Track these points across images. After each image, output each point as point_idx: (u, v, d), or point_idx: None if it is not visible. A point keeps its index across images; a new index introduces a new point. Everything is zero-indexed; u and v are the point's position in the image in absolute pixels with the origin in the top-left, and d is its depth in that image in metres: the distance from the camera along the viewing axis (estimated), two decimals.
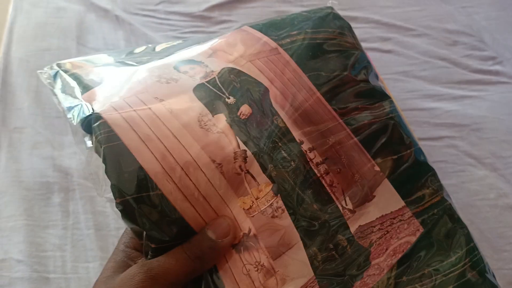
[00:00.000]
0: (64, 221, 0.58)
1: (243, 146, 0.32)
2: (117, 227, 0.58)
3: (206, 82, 0.34)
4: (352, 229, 0.32)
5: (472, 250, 0.35)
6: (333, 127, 0.36)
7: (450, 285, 0.33)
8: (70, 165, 0.63)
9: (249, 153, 0.31)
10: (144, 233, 0.30)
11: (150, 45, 0.42)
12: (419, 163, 0.38)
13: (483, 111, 0.74)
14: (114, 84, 0.34)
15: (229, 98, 0.34)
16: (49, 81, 0.38)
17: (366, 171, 0.35)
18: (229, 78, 0.35)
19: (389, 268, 0.32)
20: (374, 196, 0.34)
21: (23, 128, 0.67)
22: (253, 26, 0.41)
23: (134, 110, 0.31)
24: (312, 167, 0.33)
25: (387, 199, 0.35)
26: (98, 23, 0.84)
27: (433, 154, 0.67)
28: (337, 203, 0.33)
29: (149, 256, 0.31)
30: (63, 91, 0.35)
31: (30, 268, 0.54)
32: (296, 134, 0.34)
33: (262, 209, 0.31)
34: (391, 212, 0.34)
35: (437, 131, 0.71)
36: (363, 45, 0.83)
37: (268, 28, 0.40)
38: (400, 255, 0.33)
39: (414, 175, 0.37)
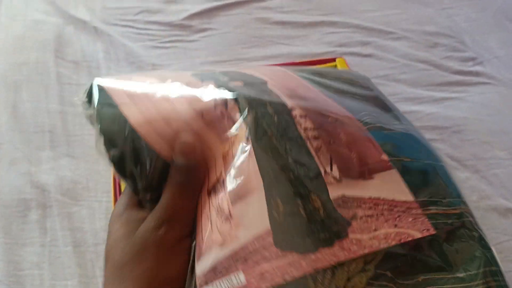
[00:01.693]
0: (41, 238, 0.58)
1: (227, 96, 0.32)
2: (95, 243, 0.57)
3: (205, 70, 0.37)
4: (333, 195, 0.28)
5: (493, 274, 0.29)
6: (335, 110, 0.34)
7: None
8: (48, 181, 0.62)
9: (231, 101, 0.32)
10: (140, 186, 0.32)
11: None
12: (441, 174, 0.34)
13: (464, 112, 0.74)
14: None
15: (224, 77, 0.35)
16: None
17: (370, 155, 0.31)
18: (227, 72, 0.37)
19: (373, 250, 0.26)
20: (373, 178, 0.30)
21: (1, 144, 0.66)
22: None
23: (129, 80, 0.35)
24: (299, 128, 0.31)
25: (391, 187, 0.30)
26: (77, 35, 0.83)
27: None
28: (319, 164, 0.29)
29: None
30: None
31: None
32: (289, 103, 0.33)
33: (233, 153, 0.30)
34: (393, 199, 0.30)
35: None
36: (343, 50, 0.84)
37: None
38: (393, 243, 0.27)
39: (429, 181, 0.32)
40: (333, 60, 0.65)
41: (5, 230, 0.58)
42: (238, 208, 0.28)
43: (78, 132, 0.68)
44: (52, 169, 0.64)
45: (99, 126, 0.32)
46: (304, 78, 0.38)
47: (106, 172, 0.64)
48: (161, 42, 0.83)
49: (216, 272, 0.27)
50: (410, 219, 0.29)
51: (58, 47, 0.80)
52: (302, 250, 0.26)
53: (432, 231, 0.29)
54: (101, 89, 0.34)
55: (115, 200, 0.52)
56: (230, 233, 0.28)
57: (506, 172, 0.66)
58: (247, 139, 0.30)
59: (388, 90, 0.77)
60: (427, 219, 0.29)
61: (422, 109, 0.74)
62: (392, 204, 0.29)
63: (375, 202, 0.29)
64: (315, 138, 0.31)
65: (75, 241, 0.57)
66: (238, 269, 0.26)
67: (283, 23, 0.89)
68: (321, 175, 0.29)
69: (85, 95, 0.36)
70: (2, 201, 0.60)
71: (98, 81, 0.35)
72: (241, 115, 0.31)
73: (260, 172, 0.29)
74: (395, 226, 0.28)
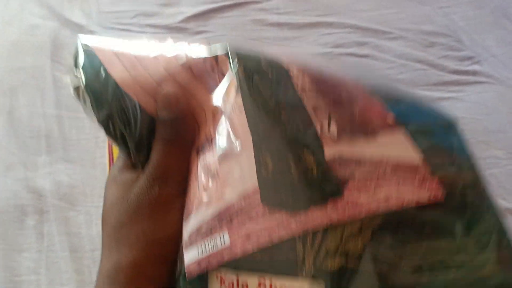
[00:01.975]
0: (38, 243, 0.58)
1: (218, 50, 0.29)
2: (92, 248, 0.57)
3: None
4: (329, 153, 0.26)
5: (506, 245, 0.26)
6: (340, 78, 0.31)
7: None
8: (44, 186, 0.62)
9: (222, 55, 0.29)
10: (131, 147, 0.30)
11: None
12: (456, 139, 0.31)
13: (460, 112, 0.74)
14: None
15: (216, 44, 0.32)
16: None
17: (375, 114, 0.28)
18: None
19: (372, 213, 0.24)
20: (377, 136, 0.27)
21: None
22: None
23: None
24: (295, 85, 0.28)
25: (396, 146, 0.27)
26: (73, 39, 0.82)
27: None
28: (315, 122, 0.27)
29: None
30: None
31: None
32: (287, 64, 0.29)
33: (223, 110, 0.28)
34: (398, 159, 0.26)
35: None
36: (339, 50, 0.83)
37: None
38: (395, 206, 0.24)
39: (440, 144, 0.29)
40: None
41: (1, 236, 0.58)
42: (225, 166, 0.26)
43: (75, 137, 0.68)
44: (48, 174, 0.64)
45: (84, 86, 0.31)
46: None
47: (103, 176, 0.64)
48: None
49: (200, 232, 0.26)
50: (417, 182, 0.26)
51: (54, 51, 0.80)
52: (291, 209, 0.24)
53: (441, 196, 0.25)
54: (86, 49, 0.32)
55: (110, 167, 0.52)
56: (216, 192, 0.26)
57: (504, 171, 0.66)
58: (237, 93, 0.27)
59: None
60: (435, 183, 0.26)
61: None
62: (397, 165, 0.26)
63: (377, 161, 0.26)
64: (312, 96, 0.28)
65: (72, 246, 0.57)
66: (223, 229, 0.25)
67: (279, 25, 0.88)
68: (316, 132, 0.26)
69: (73, 59, 0.33)
70: None
71: (83, 41, 0.33)
72: (231, 68, 0.28)
73: (249, 127, 0.26)
74: (398, 188, 0.25)
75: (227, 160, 0.27)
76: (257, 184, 0.25)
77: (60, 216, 0.60)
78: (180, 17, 0.87)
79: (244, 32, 0.86)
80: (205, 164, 0.27)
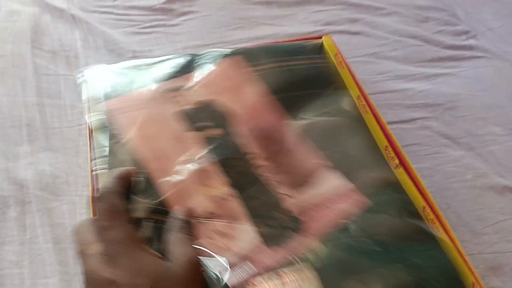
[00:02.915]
0: (20, 236, 0.55)
1: (205, 154, 0.45)
2: None
3: (184, 109, 0.48)
4: (289, 206, 0.43)
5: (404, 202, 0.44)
6: (287, 135, 0.48)
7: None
8: (26, 177, 0.60)
9: (210, 159, 0.45)
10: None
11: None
12: (372, 155, 0.48)
13: (457, 88, 0.72)
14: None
15: (200, 122, 0.48)
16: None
17: (311, 164, 0.46)
18: (201, 108, 0.48)
19: (321, 233, 0.41)
20: (315, 182, 0.45)
21: None
22: (244, 53, 0.54)
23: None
24: (260, 170, 0.45)
25: (329, 182, 0.45)
26: (54, 24, 0.80)
27: (406, 137, 0.65)
28: (276, 191, 0.44)
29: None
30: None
31: None
32: (250, 147, 0.46)
33: (218, 195, 0.43)
34: (331, 190, 0.44)
35: (409, 113, 0.68)
36: (331, 28, 0.81)
37: (253, 56, 0.54)
38: (336, 222, 0.42)
39: (363, 164, 0.47)
40: (319, 37, 0.62)
41: None
42: (234, 230, 0.42)
43: (57, 125, 0.66)
44: (30, 164, 0.61)
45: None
46: (265, 84, 0.51)
47: (86, 165, 0.61)
48: (141, 28, 0.80)
49: (230, 265, 0.39)
50: (347, 199, 0.44)
51: (34, 37, 0.77)
52: (282, 244, 0.41)
53: (366, 201, 0.43)
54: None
55: (93, 195, 0.49)
56: (232, 244, 0.41)
57: (502, 148, 0.64)
58: (227, 185, 0.44)
59: (378, 68, 0.74)
60: (361, 194, 0.44)
61: (414, 87, 0.72)
62: (331, 194, 0.44)
63: (319, 199, 0.44)
64: (272, 172, 0.45)
65: (55, 237, 0.55)
66: (247, 263, 0.40)
67: (268, 3, 0.86)
68: (279, 197, 0.44)
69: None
70: None
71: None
72: (219, 170, 0.45)
73: (242, 205, 0.43)
74: (335, 209, 0.43)
75: (234, 226, 0.42)
76: (258, 237, 0.42)
77: (42, 207, 0.57)
78: None
79: (232, 11, 0.83)
80: (215, 230, 0.42)
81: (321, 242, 0.40)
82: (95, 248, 0.37)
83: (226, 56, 0.54)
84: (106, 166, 0.45)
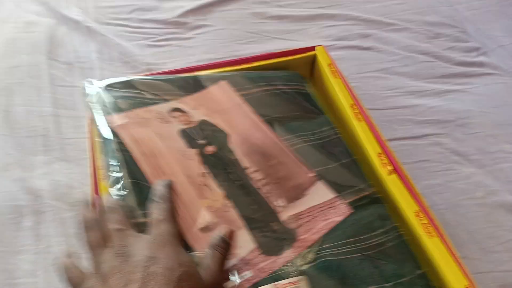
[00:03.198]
0: (35, 245, 0.56)
1: (204, 169, 0.48)
2: None
3: (187, 128, 0.52)
4: (283, 217, 0.47)
5: (392, 228, 0.47)
6: (277, 152, 0.52)
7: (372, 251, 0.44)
8: (41, 187, 0.61)
9: (208, 174, 0.48)
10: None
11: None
12: (354, 168, 0.52)
13: (468, 105, 0.72)
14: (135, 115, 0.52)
15: (200, 140, 0.51)
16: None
17: (301, 178, 0.50)
18: (202, 128, 0.52)
19: (313, 242, 0.45)
20: (306, 194, 0.49)
21: None
22: (230, 79, 0.58)
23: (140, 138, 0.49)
24: (253, 183, 0.49)
25: (318, 195, 0.49)
26: (69, 36, 0.81)
27: (416, 153, 0.65)
28: (270, 204, 0.48)
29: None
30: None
31: None
32: (244, 162, 0.50)
33: (217, 207, 0.46)
34: (321, 202, 0.48)
35: (420, 129, 0.69)
36: (342, 43, 0.82)
37: (240, 81, 0.58)
38: (325, 231, 0.46)
39: (347, 177, 0.51)
40: (312, 49, 0.63)
41: None
42: (236, 239, 0.44)
43: (72, 135, 0.67)
44: (45, 174, 0.62)
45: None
46: (253, 107, 0.55)
47: None
48: (155, 41, 0.82)
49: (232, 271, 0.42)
50: (334, 210, 0.48)
51: (50, 48, 0.79)
52: (276, 254, 0.44)
53: (350, 211, 0.48)
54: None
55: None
56: (234, 252, 0.43)
57: None
58: (226, 199, 0.47)
59: (389, 83, 0.75)
60: (345, 205, 0.48)
61: (425, 103, 0.72)
62: (321, 206, 0.48)
63: (310, 210, 0.47)
64: (264, 185, 0.49)
65: (70, 247, 0.56)
66: (246, 269, 0.43)
67: (280, 18, 0.87)
68: (274, 211, 0.47)
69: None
70: None
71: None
72: (216, 185, 0.48)
73: (239, 216, 0.46)
74: (324, 220, 0.47)
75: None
76: (257, 245, 0.44)
77: (57, 217, 0.58)
78: (179, 11, 0.86)
79: (244, 25, 0.85)
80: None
81: (312, 253, 0.44)
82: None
83: (216, 80, 0.58)
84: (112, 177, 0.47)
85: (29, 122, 0.68)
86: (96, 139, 0.51)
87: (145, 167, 0.47)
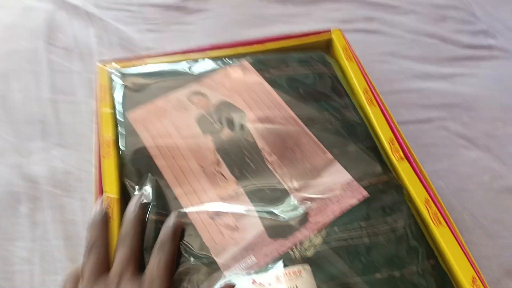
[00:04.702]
0: (32, 232, 0.55)
1: (218, 157, 0.49)
2: None
3: (205, 113, 0.52)
4: (295, 200, 0.46)
5: (410, 216, 0.45)
6: (295, 132, 0.51)
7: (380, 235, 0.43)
8: (38, 173, 0.60)
9: (222, 160, 0.48)
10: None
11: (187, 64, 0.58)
12: (374, 153, 0.50)
13: (475, 88, 0.70)
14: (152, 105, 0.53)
15: (217, 125, 0.51)
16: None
17: (318, 160, 0.49)
18: (220, 110, 0.52)
19: (324, 225, 0.43)
20: (322, 176, 0.47)
21: None
22: (252, 61, 0.58)
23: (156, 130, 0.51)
24: (268, 165, 0.48)
25: (335, 176, 0.47)
26: (69, 20, 0.80)
27: (422, 137, 0.64)
28: (285, 185, 0.47)
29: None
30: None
31: None
32: (260, 144, 0.50)
33: (229, 193, 0.46)
34: (336, 185, 0.46)
35: (426, 113, 0.67)
36: (347, 26, 0.79)
37: (262, 64, 0.57)
38: (338, 214, 0.44)
39: (366, 161, 0.49)
40: (328, 31, 0.62)
41: None
42: (241, 223, 0.44)
43: (70, 121, 0.66)
44: (43, 160, 0.61)
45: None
46: (275, 87, 0.55)
47: None
48: (156, 25, 0.80)
49: (235, 259, 0.42)
50: (350, 193, 0.46)
51: (49, 33, 0.77)
52: (284, 236, 0.43)
53: (366, 195, 0.46)
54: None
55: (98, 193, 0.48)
56: (239, 237, 0.43)
57: None
58: (238, 185, 0.47)
59: (395, 67, 0.73)
60: (362, 188, 0.46)
61: (431, 86, 0.70)
62: (336, 189, 0.46)
63: (324, 193, 0.46)
64: (279, 167, 0.48)
65: (66, 234, 0.55)
66: (250, 254, 0.42)
67: (283, 1, 0.85)
68: (288, 192, 0.46)
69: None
70: None
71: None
72: (230, 172, 0.48)
73: (250, 200, 0.46)
74: (338, 202, 0.45)
75: (241, 219, 0.44)
76: (263, 228, 0.44)
77: (54, 203, 0.57)
78: None
79: (247, 9, 0.83)
80: (224, 224, 0.44)
81: (321, 236, 0.43)
82: None
83: (238, 60, 0.58)
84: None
85: (27, 108, 0.67)
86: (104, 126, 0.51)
87: (161, 162, 0.48)
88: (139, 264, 0.41)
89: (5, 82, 0.70)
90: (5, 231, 0.55)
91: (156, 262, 0.40)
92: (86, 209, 0.57)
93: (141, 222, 0.43)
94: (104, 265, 0.41)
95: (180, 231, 0.43)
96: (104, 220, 0.44)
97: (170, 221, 0.43)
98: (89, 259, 0.41)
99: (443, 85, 0.71)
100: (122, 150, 0.49)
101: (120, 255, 0.41)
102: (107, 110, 0.53)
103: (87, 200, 0.58)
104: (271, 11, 0.83)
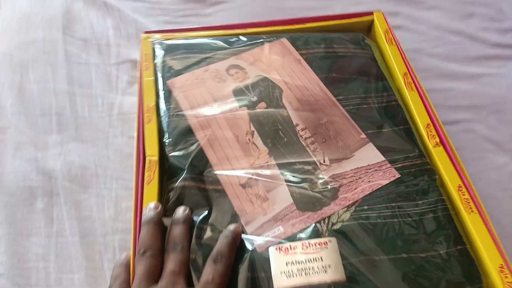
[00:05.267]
0: (47, 228, 0.55)
1: (252, 128, 0.50)
2: (103, 232, 0.54)
3: (242, 85, 0.54)
4: (326, 175, 0.47)
5: (441, 201, 0.45)
6: (330, 110, 0.52)
7: (409, 218, 0.43)
8: (54, 167, 0.59)
9: (256, 131, 0.50)
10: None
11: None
12: (409, 136, 0.51)
13: (503, 90, 0.68)
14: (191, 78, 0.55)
15: (253, 97, 0.53)
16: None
17: (351, 138, 0.50)
18: (257, 84, 0.54)
19: (354, 201, 0.44)
20: (354, 155, 0.48)
21: (6, 128, 0.63)
22: (291, 39, 0.59)
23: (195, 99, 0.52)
24: (301, 140, 0.49)
25: (367, 156, 0.48)
26: (86, 11, 0.79)
27: None
28: (316, 160, 0.48)
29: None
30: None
31: (11, 282, 0.51)
32: (295, 119, 0.51)
33: (261, 164, 0.47)
34: (368, 164, 0.47)
35: (452, 114, 0.65)
36: None
37: (301, 42, 0.58)
38: (368, 192, 0.45)
39: (400, 143, 0.50)
40: (370, 13, 0.62)
41: (9, 220, 0.55)
42: (271, 193, 0.45)
43: (87, 114, 0.65)
44: (59, 154, 0.60)
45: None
46: (312, 66, 0.56)
47: (115, 157, 0.60)
48: (174, 17, 0.79)
49: (263, 228, 0.43)
50: (381, 173, 0.46)
51: (66, 24, 0.76)
52: (313, 210, 0.44)
53: (397, 175, 0.46)
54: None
55: (137, 184, 0.47)
56: (268, 208, 0.44)
57: None
58: (270, 156, 0.48)
59: (420, 65, 0.71)
60: (394, 169, 0.47)
61: (457, 86, 0.68)
62: (368, 168, 0.47)
63: (355, 171, 0.47)
64: (312, 143, 0.49)
65: (82, 231, 0.54)
66: (278, 225, 0.43)
67: None
68: (318, 167, 0.47)
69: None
70: (6, 189, 0.57)
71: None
72: (263, 142, 0.49)
73: (280, 172, 0.47)
74: (369, 181, 0.46)
75: (271, 191, 0.46)
76: (292, 201, 0.45)
77: (70, 199, 0.56)
78: None
79: (266, 1, 0.81)
80: (255, 194, 0.45)
81: (349, 212, 0.43)
82: None
83: (277, 37, 0.59)
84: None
85: (43, 100, 0.66)
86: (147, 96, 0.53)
87: (197, 128, 0.49)
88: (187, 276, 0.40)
89: (21, 72, 0.69)
90: (21, 226, 0.55)
91: (211, 273, 0.38)
92: (102, 205, 0.56)
93: (189, 234, 0.42)
94: (156, 273, 0.40)
95: (240, 240, 0.42)
96: (159, 227, 0.42)
97: (229, 230, 0.42)
98: (141, 260, 0.40)
99: (469, 85, 0.68)
100: (161, 116, 0.51)
101: (172, 265, 0.39)
102: (150, 78, 0.55)
103: (103, 196, 0.57)
104: (291, 3, 0.81)
